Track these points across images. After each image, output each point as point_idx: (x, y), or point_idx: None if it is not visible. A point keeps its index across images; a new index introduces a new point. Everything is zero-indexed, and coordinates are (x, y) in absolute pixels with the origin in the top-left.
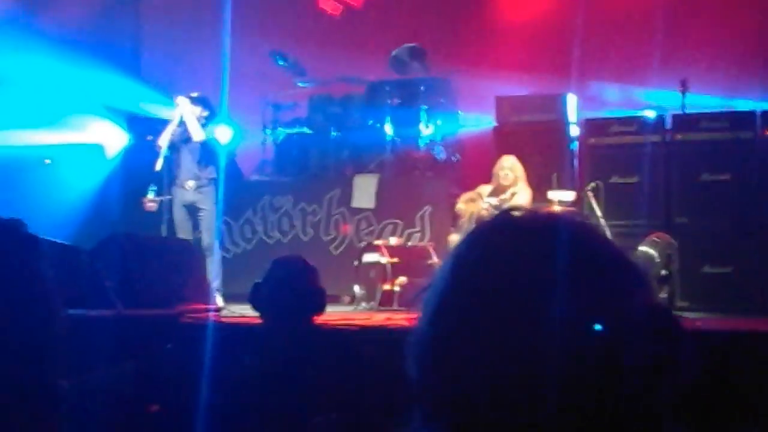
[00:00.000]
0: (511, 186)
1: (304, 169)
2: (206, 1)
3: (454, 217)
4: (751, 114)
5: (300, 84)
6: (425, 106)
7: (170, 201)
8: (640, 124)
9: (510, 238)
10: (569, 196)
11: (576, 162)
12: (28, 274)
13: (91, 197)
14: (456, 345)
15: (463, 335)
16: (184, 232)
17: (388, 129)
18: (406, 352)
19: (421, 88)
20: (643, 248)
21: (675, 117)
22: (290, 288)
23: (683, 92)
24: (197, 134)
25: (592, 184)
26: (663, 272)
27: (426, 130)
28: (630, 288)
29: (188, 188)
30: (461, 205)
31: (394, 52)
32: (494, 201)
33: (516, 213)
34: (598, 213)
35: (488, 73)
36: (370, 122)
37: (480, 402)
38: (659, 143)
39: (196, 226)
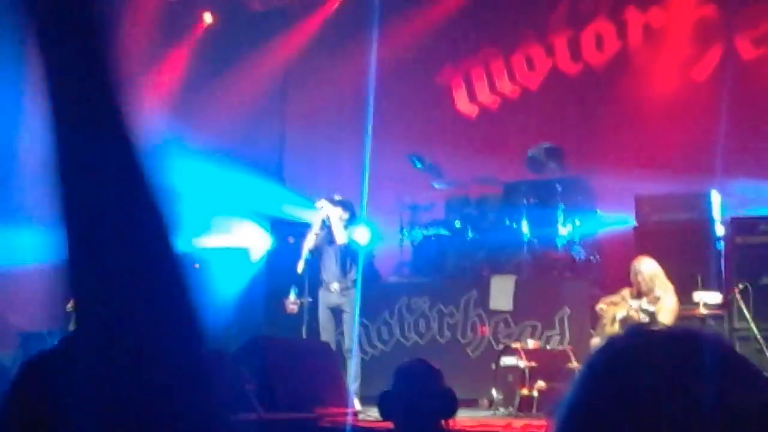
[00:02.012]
0: (652, 289)
1: (441, 271)
2: (346, 107)
3: (594, 320)
4: None
5: (436, 185)
6: (562, 206)
7: (311, 303)
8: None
9: (644, 353)
10: (716, 298)
11: (722, 262)
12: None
13: (237, 300)
14: None
15: None
16: (327, 334)
17: (525, 229)
18: None
19: (558, 187)
20: None
21: (733, 220)
22: (416, 393)
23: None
24: (341, 237)
25: (741, 286)
26: None
27: (563, 229)
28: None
29: (333, 291)
30: (603, 306)
31: (530, 152)
32: (641, 304)
33: (652, 328)
34: (748, 316)
35: (627, 170)
36: (507, 223)
37: None
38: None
39: (337, 328)
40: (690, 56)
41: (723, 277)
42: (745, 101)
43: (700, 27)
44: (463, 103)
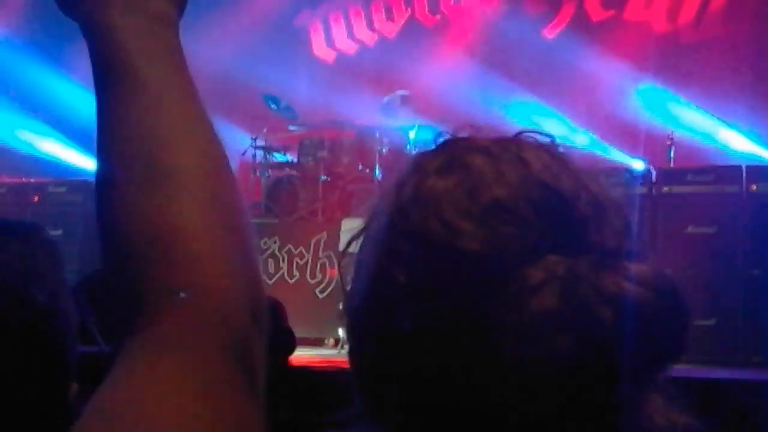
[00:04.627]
0: None
1: (293, 212)
2: None
3: None
4: (737, 168)
5: (291, 128)
6: (415, 152)
7: None
8: (629, 175)
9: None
10: None
11: None
12: (51, 278)
13: (77, 233)
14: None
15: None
16: None
17: (378, 173)
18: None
19: (411, 134)
20: None
21: (660, 170)
22: None
23: (670, 145)
24: None
25: None
26: None
27: None
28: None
29: None
30: None
31: (385, 99)
32: None
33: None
34: None
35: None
36: (360, 167)
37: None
38: (646, 195)
39: None
40: (542, 14)
41: None
42: (593, 61)
43: None
44: (320, 48)
